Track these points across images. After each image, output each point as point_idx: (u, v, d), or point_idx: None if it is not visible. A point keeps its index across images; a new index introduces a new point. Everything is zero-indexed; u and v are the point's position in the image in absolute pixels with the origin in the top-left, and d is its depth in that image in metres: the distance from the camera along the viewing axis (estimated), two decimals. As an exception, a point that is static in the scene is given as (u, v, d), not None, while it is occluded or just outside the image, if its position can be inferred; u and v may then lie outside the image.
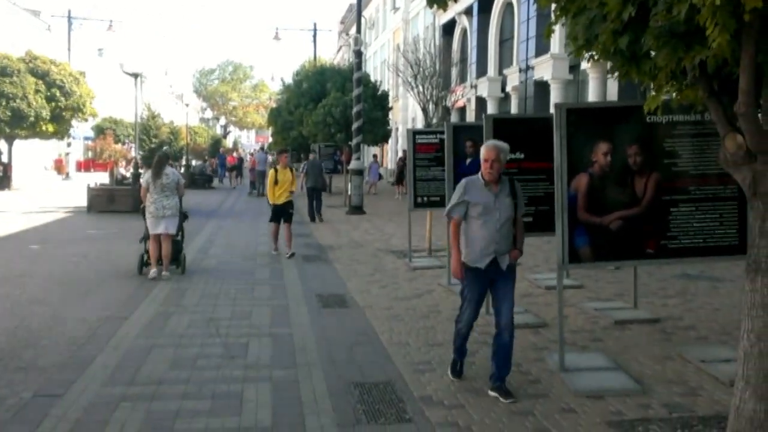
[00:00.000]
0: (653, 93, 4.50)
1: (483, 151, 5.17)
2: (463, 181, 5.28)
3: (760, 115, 4.03)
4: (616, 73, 4.52)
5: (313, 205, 18.52)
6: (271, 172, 12.14)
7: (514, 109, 24.51)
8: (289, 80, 36.94)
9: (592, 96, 19.13)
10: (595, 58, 4.51)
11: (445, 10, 7.83)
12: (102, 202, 20.09)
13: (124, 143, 52.15)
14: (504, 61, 26.68)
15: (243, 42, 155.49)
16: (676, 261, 6.62)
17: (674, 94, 4.55)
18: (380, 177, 31.89)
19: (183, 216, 10.37)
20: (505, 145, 5.24)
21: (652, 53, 4.03)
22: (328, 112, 25.83)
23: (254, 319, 7.62)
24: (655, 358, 6.10)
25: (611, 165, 5.73)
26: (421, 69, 23.43)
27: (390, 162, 41.59)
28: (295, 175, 12.35)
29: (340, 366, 5.94)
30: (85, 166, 53.70)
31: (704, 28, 3.40)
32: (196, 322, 7.43)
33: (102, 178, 27.54)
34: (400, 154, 31.26)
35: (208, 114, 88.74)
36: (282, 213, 12.06)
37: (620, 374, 5.62)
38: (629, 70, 4.41)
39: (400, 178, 29.25)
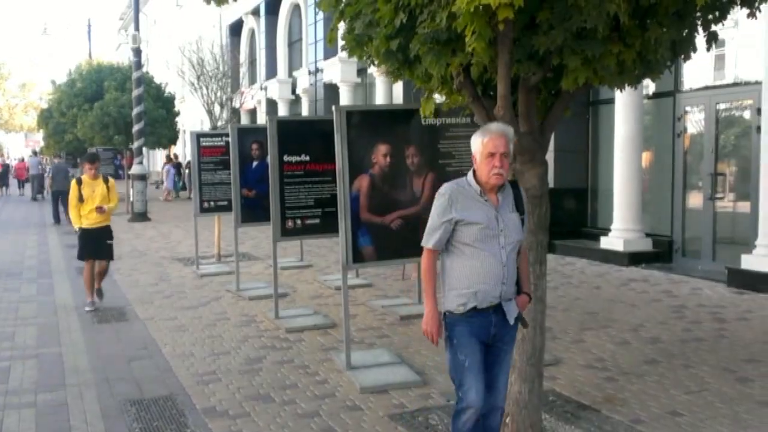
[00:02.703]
0: (426, 96, 4.71)
1: (483, 141, 3.42)
2: (446, 188, 3.50)
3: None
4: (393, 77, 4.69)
5: (58, 208, 19.00)
6: (72, 186, 8.30)
7: (305, 111, 24.66)
8: (62, 79, 34.18)
9: (379, 98, 19.76)
10: (374, 62, 4.63)
11: (219, 5, 7.63)
12: None
13: None
14: (294, 62, 26.76)
15: (7, 37, 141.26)
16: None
17: (444, 98, 4.78)
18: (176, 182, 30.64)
19: None
20: (512, 132, 3.55)
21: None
22: (106, 113, 24.24)
23: (18, 340, 6.91)
24: (435, 350, 6.35)
25: (391, 166, 5.90)
26: (204, 70, 22.77)
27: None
28: (114, 188, 8.46)
29: (115, 384, 5.54)
30: None
31: (464, 35, 3.60)
32: (-53, 348, 6.58)
33: None
34: (188, 158, 30.23)
35: (-35, 116, 79.42)
36: (96, 243, 8.23)
37: (404, 368, 5.81)
38: (403, 73, 4.57)
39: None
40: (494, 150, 3.38)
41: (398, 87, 19.01)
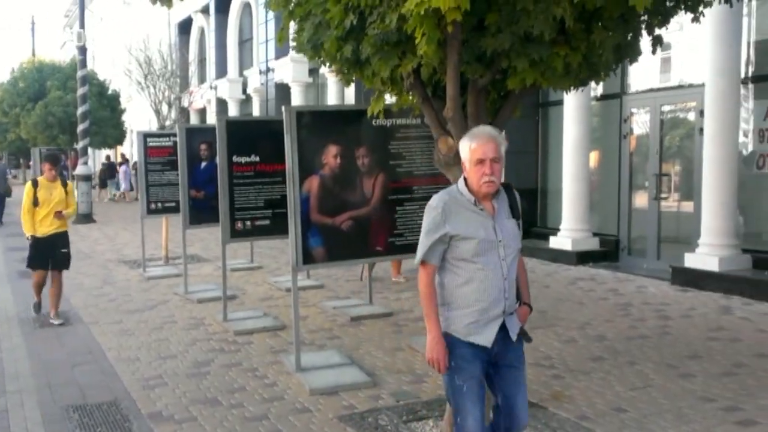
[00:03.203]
0: (376, 96, 4.70)
1: (471, 147, 3.17)
2: (438, 200, 3.20)
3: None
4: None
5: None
6: (26, 188, 7.68)
7: (256, 111, 24.42)
8: (5, 78, 33.23)
9: (332, 99, 19.67)
10: (326, 63, 4.60)
11: (170, 8, 7.51)
12: None
13: None
14: (244, 62, 26.46)
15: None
16: (403, 257, 7.03)
17: (394, 99, 4.78)
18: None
19: None
20: (501, 134, 3.36)
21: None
22: (50, 113, 23.63)
23: (-45, 347, 6.67)
24: (386, 351, 6.39)
25: (341, 167, 5.88)
26: (151, 69, 22.39)
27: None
28: (72, 193, 7.99)
29: (58, 390, 5.40)
30: None
31: (414, 37, 3.60)
32: None
33: None
34: (135, 159, 29.66)
35: None
36: (50, 252, 7.61)
37: (354, 369, 5.79)
38: (354, 75, 4.56)
39: (103, 181, 28.46)
40: (483, 156, 3.13)
41: (350, 87, 18.91)
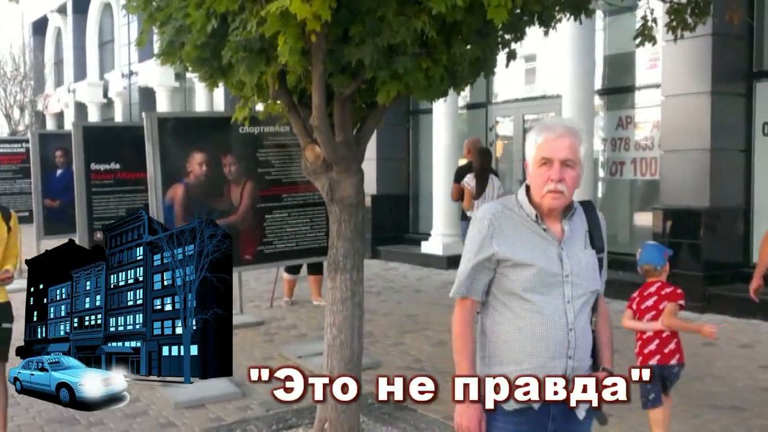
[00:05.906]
0: (242, 104, 4.65)
1: (537, 140, 2.32)
2: (486, 210, 2.40)
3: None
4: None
5: None
6: None
7: (118, 116, 23.43)
8: None
9: (200, 104, 19.24)
10: (188, 68, 4.49)
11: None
12: None
13: None
14: (105, 64, 25.32)
15: None
16: (273, 265, 6.98)
17: (261, 106, 4.75)
18: None
19: None
20: (583, 131, 2.37)
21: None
22: None
23: None
24: (257, 360, 6.30)
25: (207, 174, 5.77)
26: (1, 71, 20.99)
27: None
28: (17, 230, 4.43)
29: None
30: None
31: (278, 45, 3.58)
32: None
33: None
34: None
35: None
36: None
37: (222, 381, 5.63)
38: (217, 80, 4.48)
39: None
40: (550, 154, 2.26)
41: (220, 92, 18.60)
